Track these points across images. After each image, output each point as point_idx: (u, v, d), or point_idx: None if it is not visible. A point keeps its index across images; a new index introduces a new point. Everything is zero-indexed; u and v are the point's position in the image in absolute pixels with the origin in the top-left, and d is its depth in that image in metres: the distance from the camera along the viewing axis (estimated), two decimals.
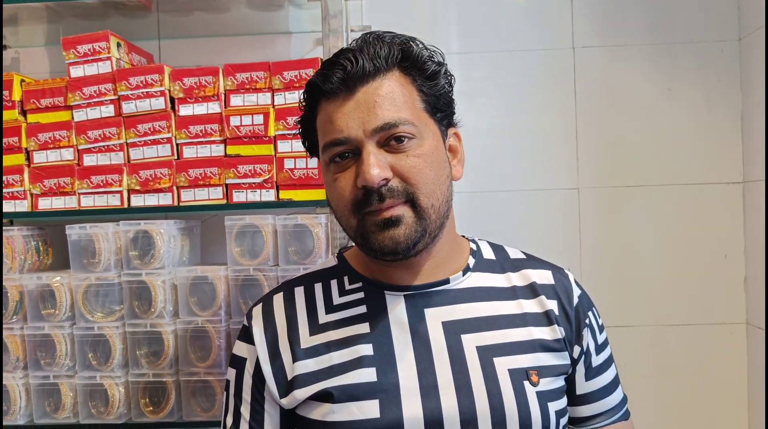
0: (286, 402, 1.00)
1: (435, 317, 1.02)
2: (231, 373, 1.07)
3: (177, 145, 1.57)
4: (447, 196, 1.01)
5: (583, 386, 1.09)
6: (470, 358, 0.99)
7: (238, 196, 1.56)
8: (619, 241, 1.85)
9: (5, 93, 1.59)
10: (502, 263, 1.11)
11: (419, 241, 0.97)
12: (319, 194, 1.54)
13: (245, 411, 1.03)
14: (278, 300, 1.08)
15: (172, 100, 1.58)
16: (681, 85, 1.84)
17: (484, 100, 1.87)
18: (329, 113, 0.98)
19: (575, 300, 1.09)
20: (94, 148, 1.58)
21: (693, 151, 1.83)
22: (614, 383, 1.12)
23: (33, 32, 1.87)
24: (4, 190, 1.59)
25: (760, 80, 1.71)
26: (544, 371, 1.01)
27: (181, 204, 1.57)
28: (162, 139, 1.56)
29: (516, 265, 1.11)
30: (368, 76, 0.97)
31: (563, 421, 1.02)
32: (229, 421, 1.05)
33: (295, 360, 1.00)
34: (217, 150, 1.56)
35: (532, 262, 1.12)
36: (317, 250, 1.50)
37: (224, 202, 1.56)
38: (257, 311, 1.08)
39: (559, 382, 1.03)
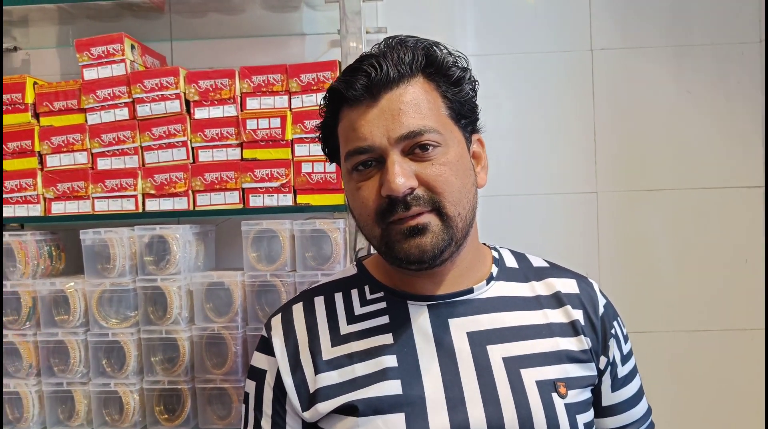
0: (308, 415, 0.98)
1: (460, 327, 0.99)
2: (250, 386, 1.05)
3: (192, 148, 1.56)
4: (473, 204, 0.99)
5: (609, 398, 1.07)
6: (497, 369, 0.97)
7: (255, 201, 1.54)
8: (638, 245, 1.83)
9: (18, 95, 1.57)
10: (526, 272, 1.09)
11: (445, 249, 0.95)
12: (337, 199, 1.52)
13: (266, 425, 1.01)
14: (298, 310, 1.05)
15: (187, 102, 1.56)
16: (701, 88, 1.81)
17: (501, 102, 1.84)
18: (352, 121, 0.96)
19: (601, 309, 1.07)
20: (108, 151, 1.56)
21: (713, 155, 1.81)
22: (639, 394, 1.11)
23: (44, 33, 1.86)
24: (18, 195, 1.57)
25: None
26: (571, 383, 0.99)
27: (197, 208, 1.55)
28: (177, 142, 1.55)
29: (539, 274, 1.09)
30: (392, 83, 0.95)
31: None
32: None
33: (317, 372, 0.98)
34: (234, 154, 1.55)
35: (555, 270, 1.10)
36: (335, 255, 1.48)
37: (241, 206, 1.54)
38: (276, 321, 1.06)
39: (586, 394, 1.01)
